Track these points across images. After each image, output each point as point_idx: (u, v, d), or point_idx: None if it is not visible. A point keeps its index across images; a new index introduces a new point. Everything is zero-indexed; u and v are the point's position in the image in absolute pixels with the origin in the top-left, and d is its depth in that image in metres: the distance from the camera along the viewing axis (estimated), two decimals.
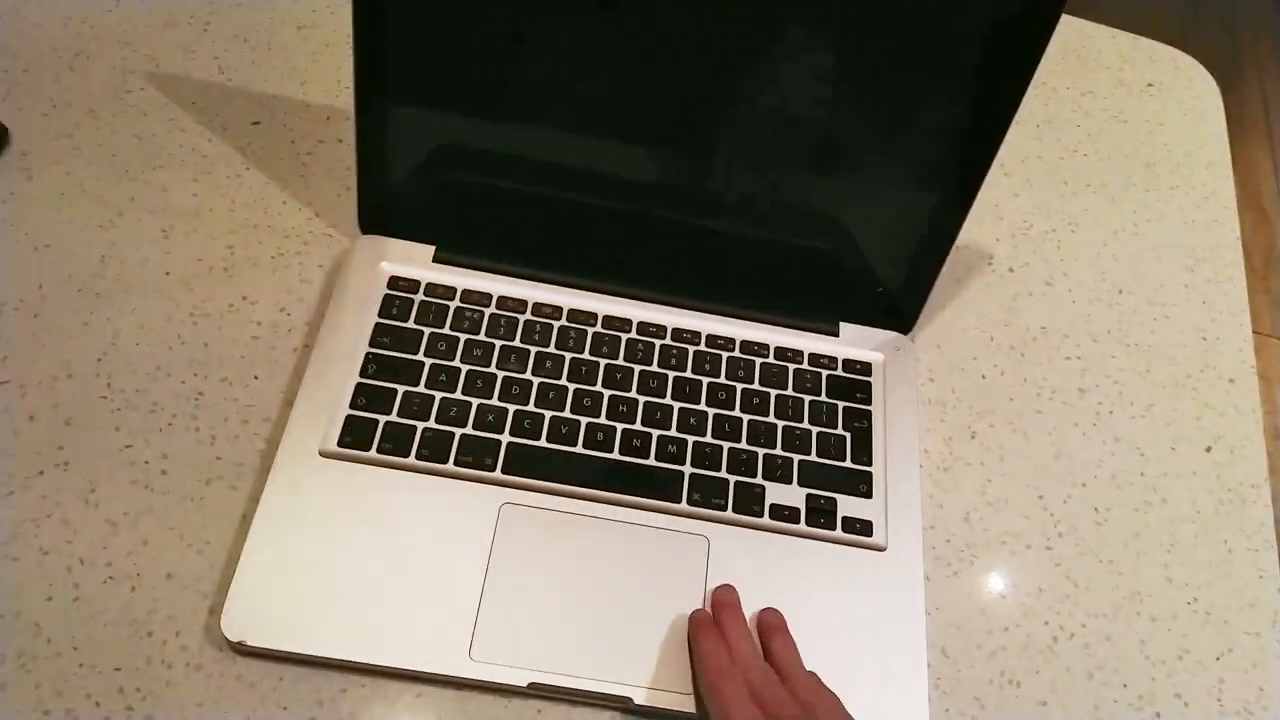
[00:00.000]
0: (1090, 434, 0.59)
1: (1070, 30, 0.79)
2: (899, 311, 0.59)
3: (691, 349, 0.56)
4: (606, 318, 0.56)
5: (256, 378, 0.52)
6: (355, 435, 0.50)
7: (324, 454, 0.49)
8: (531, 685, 0.45)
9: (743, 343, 0.57)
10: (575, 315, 0.56)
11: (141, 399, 0.50)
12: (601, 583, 0.48)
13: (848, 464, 0.54)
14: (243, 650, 0.45)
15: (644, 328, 0.56)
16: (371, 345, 0.53)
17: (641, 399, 0.54)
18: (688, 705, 0.46)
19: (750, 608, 0.49)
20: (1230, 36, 2.12)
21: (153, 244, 0.55)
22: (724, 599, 0.48)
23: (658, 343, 0.56)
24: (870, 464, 0.54)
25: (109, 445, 0.49)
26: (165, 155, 0.58)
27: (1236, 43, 2.11)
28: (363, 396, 0.51)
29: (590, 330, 0.56)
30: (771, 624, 0.48)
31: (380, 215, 0.56)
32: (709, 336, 0.57)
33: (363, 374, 0.52)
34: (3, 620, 0.44)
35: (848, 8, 0.47)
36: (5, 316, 0.51)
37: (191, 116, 0.60)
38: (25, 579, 0.45)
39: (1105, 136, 0.73)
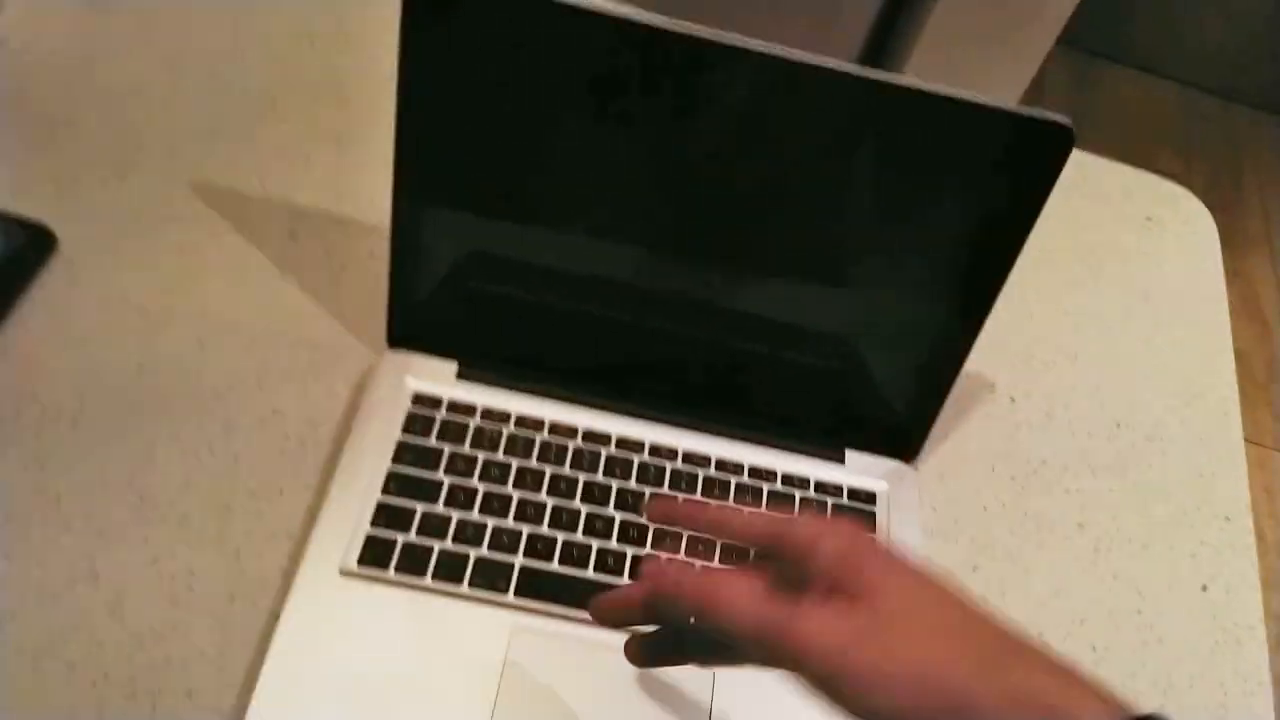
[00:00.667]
0: (1089, 570, 0.60)
1: (1072, 163, 0.82)
2: (904, 439, 0.61)
3: (701, 472, 0.58)
4: (620, 439, 0.58)
5: (282, 492, 0.54)
6: (375, 554, 0.51)
7: (344, 572, 0.51)
8: None
9: (751, 468, 0.59)
10: (590, 436, 0.58)
11: (171, 511, 0.52)
12: (609, 712, 0.49)
13: None
14: None
15: (655, 450, 0.58)
16: (394, 462, 0.55)
17: (652, 524, 0.55)
18: None
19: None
20: (1233, 148, 2.17)
21: (190, 355, 0.57)
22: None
23: (669, 465, 0.58)
24: None
25: (138, 559, 0.50)
26: (204, 266, 0.61)
27: (1239, 154, 2.16)
28: (383, 515, 0.53)
29: (604, 451, 0.58)
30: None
31: (407, 330, 0.59)
32: (718, 460, 0.58)
33: (384, 491, 0.54)
34: None
35: (865, 137, 0.50)
36: (45, 424, 0.53)
37: (231, 226, 0.63)
38: (52, 694, 0.46)
39: (1105, 269, 0.76)
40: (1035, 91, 2.01)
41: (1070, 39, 2.11)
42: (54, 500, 0.51)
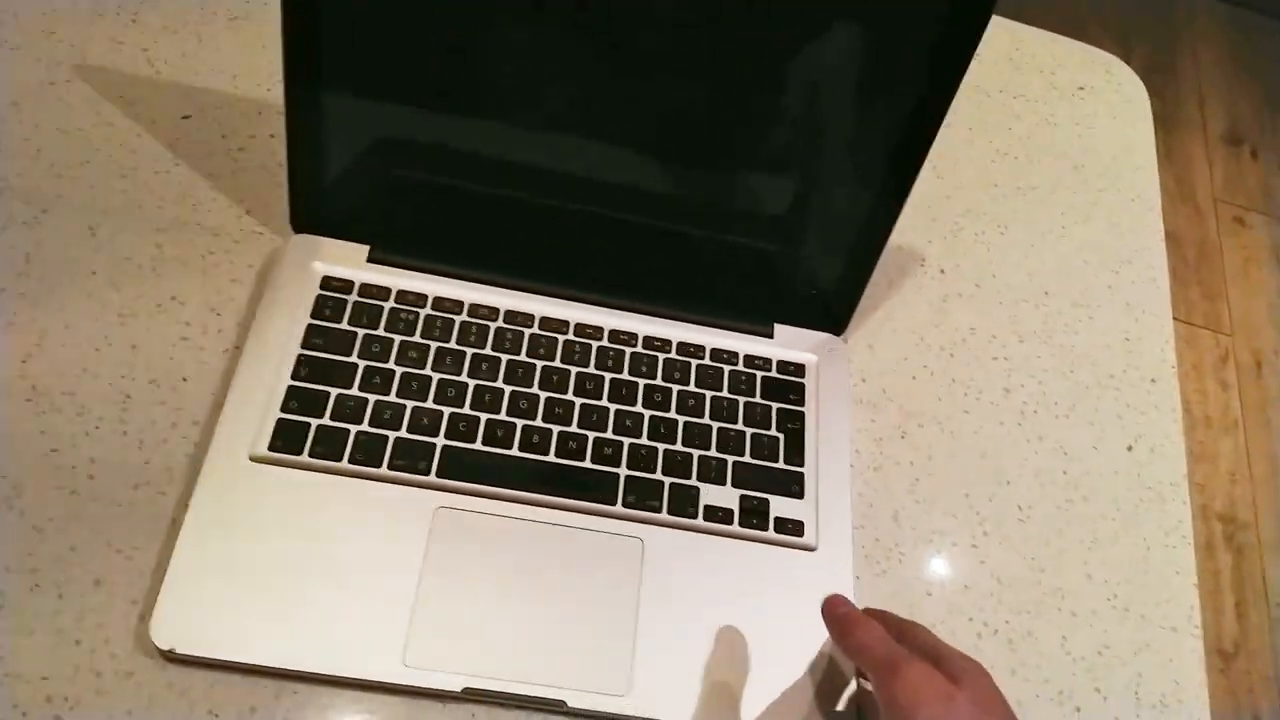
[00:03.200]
0: (1015, 433, 0.61)
1: (1004, 34, 0.81)
2: (832, 313, 0.60)
3: (628, 350, 0.56)
4: (543, 319, 0.56)
5: (185, 380, 0.51)
6: (286, 439, 0.49)
7: (254, 458, 0.49)
8: (466, 690, 0.46)
9: (679, 344, 0.57)
10: (512, 316, 0.56)
11: (67, 401, 0.49)
12: (536, 586, 0.49)
13: (780, 465, 0.54)
14: (173, 658, 0.44)
15: (581, 329, 0.57)
16: (304, 347, 0.52)
17: (578, 401, 0.54)
18: (621, 708, 0.46)
19: (683, 609, 0.49)
20: (1170, 33, 2.17)
21: (79, 242, 0.54)
22: (841, 602, 0.48)
23: (594, 344, 0.56)
24: (802, 465, 0.55)
25: (34, 449, 0.48)
26: (92, 150, 0.57)
27: (1176, 39, 2.16)
28: (294, 399, 0.51)
29: (527, 332, 0.56)
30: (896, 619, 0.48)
31: (313, 214, 0.56)
32: (646, 338, 0.57)
33: (294, 376, 0.51)
34: None
35: (782, 12, 0.48)
36: None
37: (119, 110, 0.59)
38: None
39: (1036, 139, 0.75)
40: None
41: None
42: None
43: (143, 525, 0.47)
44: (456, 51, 0.50)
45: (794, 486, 0.54)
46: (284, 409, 0.50)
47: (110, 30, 0.62)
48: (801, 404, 0.57)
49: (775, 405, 0.56)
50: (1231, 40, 2.19)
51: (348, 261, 0.56)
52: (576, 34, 0.49)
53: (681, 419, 0.55)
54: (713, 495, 0.53)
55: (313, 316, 0.53)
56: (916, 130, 0.52)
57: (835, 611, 0.47)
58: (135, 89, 0.60)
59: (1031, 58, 0.81)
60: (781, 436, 0.55)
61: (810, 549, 0.52)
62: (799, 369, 0.58)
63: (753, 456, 0.54)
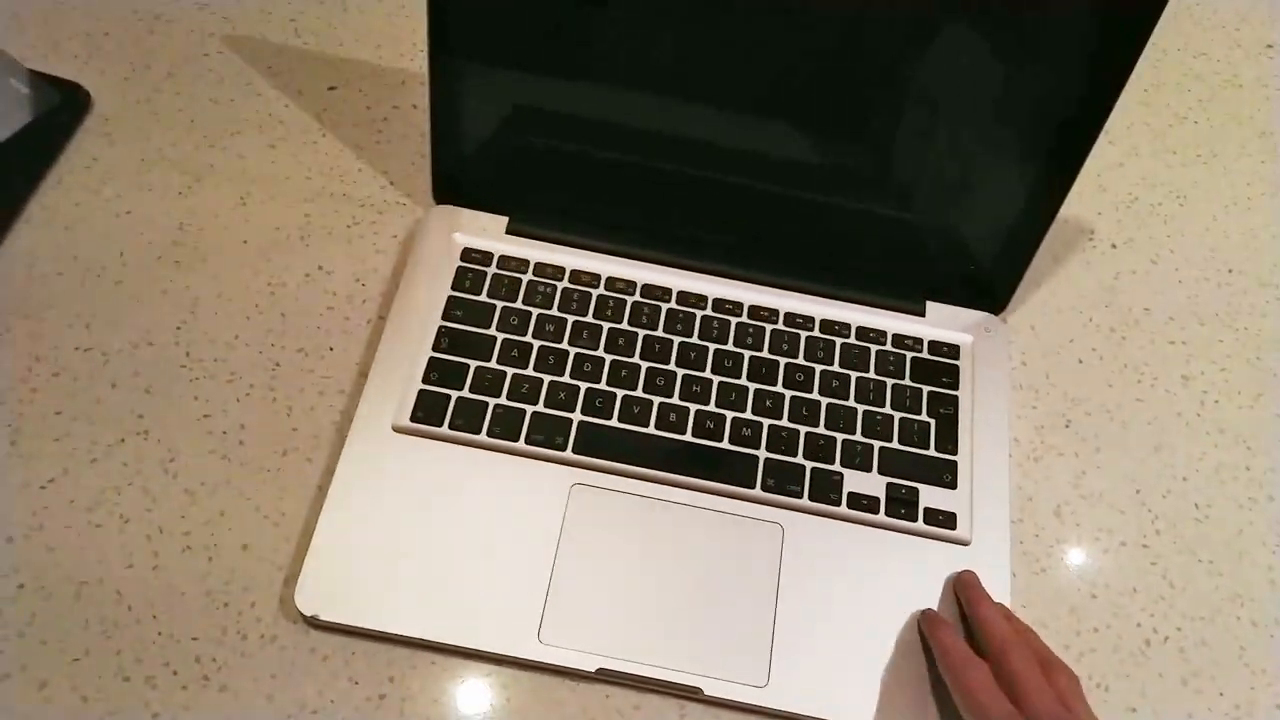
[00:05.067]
0: (1194, 424, 0.56)
1: None
2: (991, 291, 0.56)
3: (769, 327, 0.54)
4: (681, 293, 0.55)
5: (332, 349, 0.52)
6: (428, 410, 0.49)
7: (397, 429, 0.49)
8: (600, 671, 0.45)
9: (823, 321, 0.55)
10: (649, 291, 0.55)
11: (220, 368, 0.50)
12: (672, 568, 0.47)
13: (931, 452, 0.51)
14: (316, 624, 0.45)
15: (720, 304, 0.55)
16: (444, 319, 0.52)
17: (716, 379, 0.52)
18: (760, 699, 0.45)
19: (825, 600, 0.47)
20: None
21: (231, 211, 0.55)
22: (970, 581, 0.48)
23: (733, 320, 0.54)
24: (955, 453, 0.51)
25: (188, 414, 0.49)
26: (242, 121, 0.58)
27: None
28: (435, 371, 0.51)
29: (665, 306, 0.54)
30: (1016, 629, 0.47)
31: (454, 185, 0.55)
32: (787, 315, 0.55)
33: (435, 348, 0.51)
34: (86, 586, 0.45)
35: None
36: (88, 284, 0.52)
37: (268, 81, 0.60)
38: (107, 546, 0.46)
39: (1218, 102, 0.69)
40: None
41: None
42: (100, 359, 0.50)
43: (290, 491, 0.48)
44: (597, 17, 0.48)
45: (946, 475, 0.51)
46: (425, 380, 0.50)
47: (259, 1, 0.63)
48: (955, 388, 0.54)
49: (926, 388, 0.53)
50: None
51: (488, 233, 0.55)
52: (725, 6, 0.46)
53: (825, 400, 0.52)
54: (857, 482, 0.50)
55: (453, 288, 0.53)
56: (1093, 96, 0.47)
57: (927, 612, 0.47)
58: (283, 59, 0.61)
59: (1213, 13, 0.74)
60: (933, 422, 0.52)
61: (963, 543, 0.49)
62: (953, 350, 0.55)
63: (901, 442, 0.51)
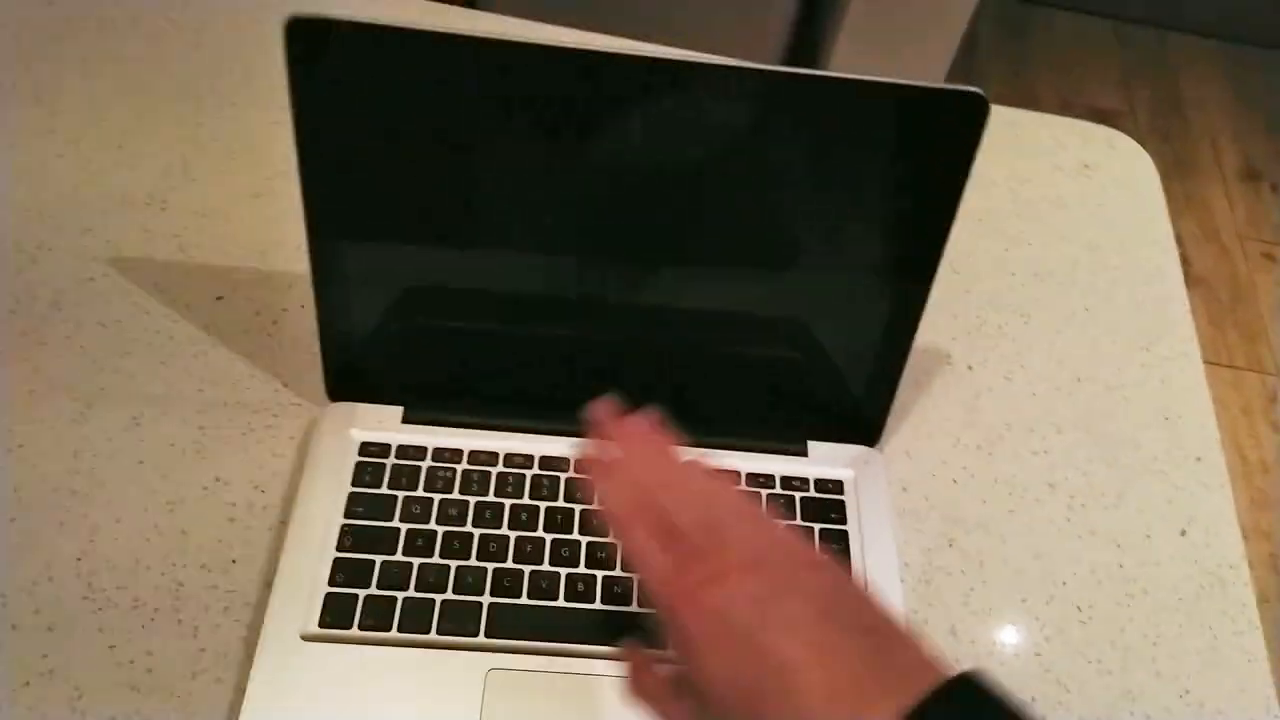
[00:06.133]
0: (1065, 530, 0.60)
1: (1003, 120, 0.82)
2: (865, 423, 0.60)
3: None
4: (577, 461, 0.57)
5: (235, 561, 0.52)
6: (335, 614, 0.50)
7: (305, 637, 0.49)
8: None
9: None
10: (546, 462, 0.57)
11: (123, 595, 0.50)
12: None
13: None
14: None
15: None
16: (346, 516, 0.53)
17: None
18: None
19: None
20: (1171, 76, 2.18)
21: (124, 434, 0.56)
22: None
23: None
24: None
25: (93, 648, 0.49)
26: (131, 341, 0.59)
27: (1178, 82, 2.17)
28: (341, 571, 0.51)
29: (563, 476, 0.56)
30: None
31: (346, 380, 0.57)
32: None
33: (340, 547, 0.52)
34: None
35: (784, 128, 0.49)
36: None
37: (155, 298, 0.61)
38: None
39: (1048, 222, 0.76)
40: (968, 42, 2.02)
41: None
42: (0, 601, 0.49)
43: (202, 716, 0.47)
44: (463, 198, 0.52)
45: None
46: (331, 582, 0.51)
47: (141, 219, 0.65)
48: (844, 522, 0.57)
49: (817, 526, 0.56)
50: (1233, 77, 2.20)
51: (384, 425, 0.57)
52: (579, 164, 0.50)
53: None
54: None
55: (353, 484, 0.54)
56: (929, 230, 0.52)
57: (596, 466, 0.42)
58: (169, 275, 0.62)
59: (1032, 140, 0.82)
60: None
61: None
62: (837, 485, 0.58)
63: None
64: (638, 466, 0.43)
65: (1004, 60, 2.11)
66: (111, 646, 0.49)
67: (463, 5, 0.78)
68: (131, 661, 0.49)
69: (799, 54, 1.56)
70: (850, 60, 1.49)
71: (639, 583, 0.41)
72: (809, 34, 1.55)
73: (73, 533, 0.52)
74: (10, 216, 0.64)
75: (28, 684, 0.48)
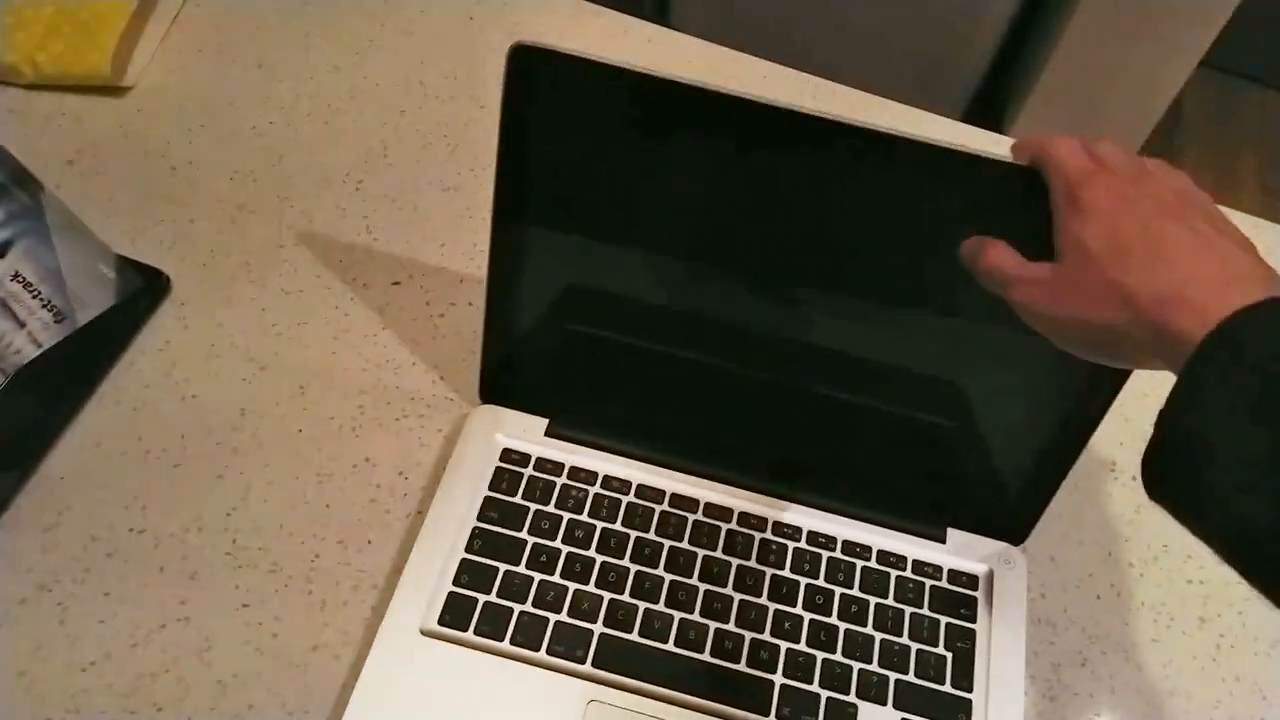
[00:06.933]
0: (1209, 669, 0.56)
1: None
2: (1013, 520, 0.57)
3: (792, 545, 0.56)
4: (708, 506, 0.57)
5: (370, 542, 0.54)
6: (455, 614, 0.51)
7: (424, 632, 0.51)
8: None
9: (844, 543, 0.56)
10: (677, 501, 0.57)
11: (263, 558, 0.53)
12: None
13: (947, 688, 0.52)
14: None
15: (745, 518, 0.56)
16: (479, 519, 0.54)
17: (737, 596, 0.54)
18: None
19: None
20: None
21: (290, 400, 0.59)
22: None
23: (758, 535, 0.56)
24: (971, 689, 0.52)
25: (228, 603, 0.51)
26: (309, 312, 0.62)
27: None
28: (466, 573, 0.53)
29: (690, 518, 0.56)
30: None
31: (500, 386, 0.59)
32: (810, 534, 0.56)
33: (468, 549, 0.53)
34: None
35: (981, 210, 0.47)
36: (148, 465, 0.55)
37: (336, 274, 0.64)
38: None
39: None
40: (1173, 118, 1.91)
41: (1213, 62, 1.99)
42: (152, 542, 0.53)
43: (316, 688, 0.49)
44: (642, 232, 0.52)
45: (960, 715, 0.51)
46: (456, 582, 0.52)
47: (337, 198, 0.68)
48: (973, 620, 0.54)
49: (944, 619, 0.54)
50: None
51: (528, 434, 0.58)
52: (760, 217, 0.50)
53: (843, 626, 0.53)
54: (871, 715, 0.51)
55: (490, 489, 0.56)
56: None
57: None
58: (353, 254, 0.65)
59: None
60: (949, 655, 0.53)
61: None
62: (972, 580, 0.56)
63: (917, 676, 0.52)
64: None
65: (1208, 138, 1.99)
66: (244, 605, 0.52)
67: (652, 19, 0.78)
68: (260, 623, 0.51)
69: (982, 113, 1.51)
70: (1032, 128, 1.43)
71: (1053, 175, 0.42)
72: (996, 93, 1.50)
73: (228, 488, 0.55)
74: (221, 175, 0.68)
75: (164, 626, 0.50)
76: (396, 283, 0.64)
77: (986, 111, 1.52)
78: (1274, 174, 1.96)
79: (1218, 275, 0.36)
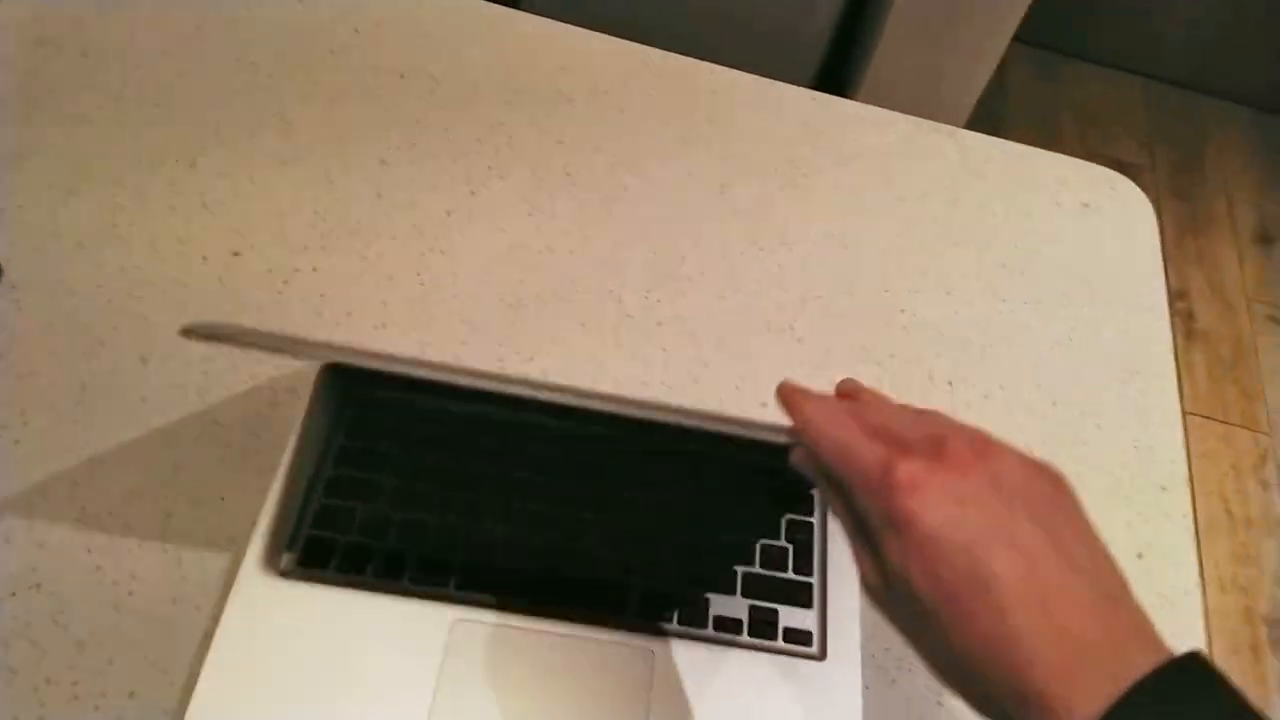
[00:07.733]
0: None
1: (1012, 154, 0.84)
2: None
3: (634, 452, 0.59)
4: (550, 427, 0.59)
5: (223, 499, 0.55)
6: (313, 555, 0.52)
7: (283, 574, 0.52)
8: None
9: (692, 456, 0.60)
10: (519, 425, 0.59)
11: (113, 521, 0.53)
12: (549, 698, 0.50)
13: (789, 574, 0.56)
14: None
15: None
16: (334, 466, 0.56)
17: (590, 515, 0.56)
18: None
19: (696, 717, 0.51)
20: (1197, 137, 2.20)
21: (131, 372, 0.58)
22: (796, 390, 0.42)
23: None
24: (811, 574, 0.56)
25: (80, 566, 0.51)
26: (147, 286, 0.62)
27: (1203, 143, 2.19)
28: (323, 516, 0.54)
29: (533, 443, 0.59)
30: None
31: None
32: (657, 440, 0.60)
33: (326, 494, 0.55)
34: None
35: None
36: None
37: (172, 248, 0.64)
38: None
39: (1042, 256, 0.78)
40: (998, 87, 2.05)
41: (1033, 37, 2.15)
42: None
43: (178, 639, 0.50)
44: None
45: (802, 596, 0.55)
46: (314, 524, 0.53)
47: (168, 175, 0.68)
48: (810, 514, 0.59)
49: (785, 516, 0.58)
50: (1258, 143, 2.22)
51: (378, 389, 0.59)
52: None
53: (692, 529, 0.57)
54: (722, 606, 0.54)
55: (345, 438, 0.57)
56: None
57: (794, 396, 0.40)
58: (189, 227, 0.65)
59: (1036, 176, 0.84)
60: (790, 547, 0.57)
61: (818, 659, 0.53)
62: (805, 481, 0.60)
63: (762, 567, 0.56)
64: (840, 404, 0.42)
65: (1028, 104, 2.14)
66: (98, 568, 0.52)
67: (506, 4, 0.81)
68: (115, 583, 0.51)
69: (831, 79, 1.59)
70: (879, 87, 1.51)
71: (848, 477, 0.37)
72: (842, 64, 1.58)
73: (73, 461, 0.55)
74: (46, 157, 0.67)
75: (14, 594, 0.50)
76: (236, 253, 0.65)
77: (834, 76, 1.60)
78: (1093, 137, 2.12)
79: (1071, 662, 0.31)
